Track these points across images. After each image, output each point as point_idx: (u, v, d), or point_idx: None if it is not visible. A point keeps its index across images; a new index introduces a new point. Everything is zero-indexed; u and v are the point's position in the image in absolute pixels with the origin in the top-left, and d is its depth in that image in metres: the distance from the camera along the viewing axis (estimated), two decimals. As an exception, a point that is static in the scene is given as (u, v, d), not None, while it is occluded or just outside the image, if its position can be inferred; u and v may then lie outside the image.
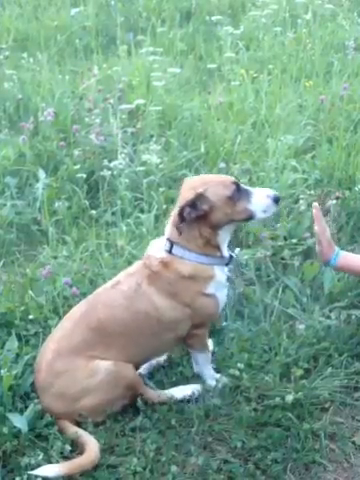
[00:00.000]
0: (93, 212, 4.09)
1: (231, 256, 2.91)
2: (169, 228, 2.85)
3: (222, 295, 2.91)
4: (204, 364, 3.00)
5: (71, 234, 3.94)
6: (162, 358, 3.14)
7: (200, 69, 6.39)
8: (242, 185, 2.83)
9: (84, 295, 3.31)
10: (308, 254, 3.79)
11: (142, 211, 4.08)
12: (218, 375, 3.01)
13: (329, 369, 3.03)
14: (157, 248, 2.88)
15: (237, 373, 2.98)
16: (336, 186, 4.37)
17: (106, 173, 4.22)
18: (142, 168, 4.34)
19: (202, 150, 4.75)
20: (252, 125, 5.08)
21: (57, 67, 6.28)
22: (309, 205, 4.02)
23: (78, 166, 4.46)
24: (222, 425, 2.80)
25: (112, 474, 2.58)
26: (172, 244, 2.81)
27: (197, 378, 3.01)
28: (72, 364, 2.77)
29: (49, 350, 2.84)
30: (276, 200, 2.79)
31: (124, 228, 3.84)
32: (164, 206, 4.09)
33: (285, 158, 4.55)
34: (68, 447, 2.66)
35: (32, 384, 2.90)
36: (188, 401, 2.91)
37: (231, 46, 6.45)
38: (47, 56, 6.38)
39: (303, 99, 5.53)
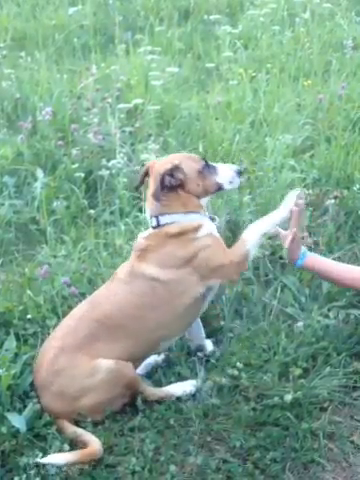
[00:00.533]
0: (91, 211, 4.08)
1: (212, 218, 3.10)
2: (150, 206, 3.02)
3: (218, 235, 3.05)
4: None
5: (69, 233, 3.94)
6: (160, 358, 3.14)
7: (198, 68, 6.39)
8: (209, 161, 3.09)
9: (83, 295, 3.32)
10: (306, 253, 3.80)
11: (140, 210, 4.07)
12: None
13: (328, 368, 3.03)
14: (142, 234, 3.05)
15: (236, 373, 2.98)
16: (334, 185, 4.37)
17: (104, 172, 4.22)
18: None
19: (200, 149, 4.74)
20: (250, 124, 5.08)
21: (55, 66, 6.28)
22: (307, 204, 4.03)
23: (76, 165, 4.46)
24: (221, 424, 2.80)
25: (111, 474, 2.58)
26: (158, 218, 2.97)
27: (194, 376, 3.02)
28: (75, 361, 2.78)
29: (52, 348, 2.84)
30: (239, 172, 3.09)
31: (122, 227, 3.83)
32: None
33: (283, 157, 4.55)
34: (66, 446, 2.65)
35: (31, 383, 2.91)
36: (187, 399, 2.91)
37: (229, 45, 6.45)
38: (45, 55, 6.37)
39: (301, 98, 5.53)
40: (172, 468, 2.58)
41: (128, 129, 4.83)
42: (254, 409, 2.84)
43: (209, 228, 3.00)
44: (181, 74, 6.06)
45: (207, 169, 3.03)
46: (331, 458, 2.69)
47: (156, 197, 2.94)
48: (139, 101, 5.04)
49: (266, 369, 3.04)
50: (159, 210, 2.97)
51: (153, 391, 2.93)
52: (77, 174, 4.36)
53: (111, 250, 3.75)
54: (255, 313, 3.41)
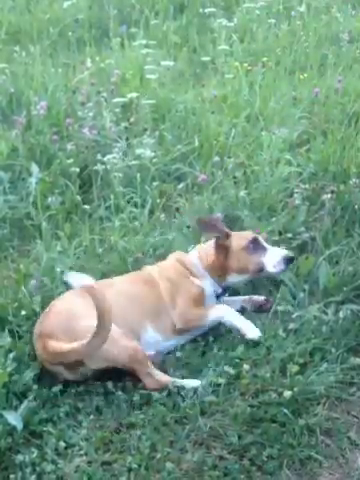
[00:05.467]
0: (86, 207, 4.06)
1: (224, 291, 3.38)
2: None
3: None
4: (237, 321, 3.19)
5: (64, 229, 3.91)
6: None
7: (194, 62, 6.37)
8: (261, 241, 3.30)
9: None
10: (303, 248, 3.79)
11: (136, 206, 4.05)
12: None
13: (325, 364, 3.02)
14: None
15: (232, 371, 2.96)
16: (331, 180, 4.35)
17: (99, 167, 4.19)
18: (136, 162, 4.31)
19: (196, 144, 4.73)
20: (246, 118, 5.06)
21: (50, 60, 6.24)
22: (304, 199, 4.02)
23: (71, 160, 4.42)
24: (218, 421, 2.78)
25: (107, 471, 2.56)
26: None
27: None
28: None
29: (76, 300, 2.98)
30: (288, 260, 3.25)
31: (118, 223, 3.81)
32: (158, 200, 4.07)
33: (279, 151, 4.53)
34: (62, 444, 2.65)
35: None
36: (183, 396, 2.89)
37: (225, 38, 6.41)
38: (40, 49, 6.32)
39: (297, 92, 5.51)
40: (169, 465, 2.57)
41: (123, 124, 4.79)
42: (251, 406, 2.82)
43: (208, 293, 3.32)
44: (176, 68, 6.04)
45: (254, 247, 3.26)
46: (328, 454, 2.67)
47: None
48: (134, 95, 5.00)
49: (263, 365, 3.02)
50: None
51: (161, 376, 2.94)
52: (72, 169, 4.33)
53: (106, 246, 3.73)
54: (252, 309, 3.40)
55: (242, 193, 4.12)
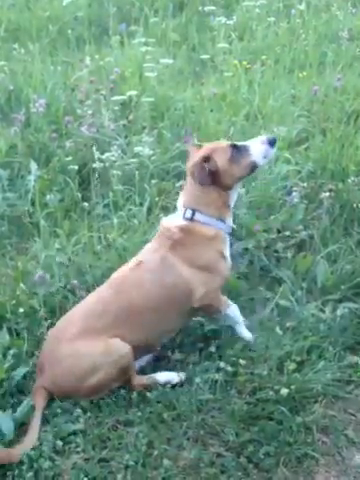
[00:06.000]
0: (85, 204, 4.05)
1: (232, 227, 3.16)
2: (186, 197, 3.08)
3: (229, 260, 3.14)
4: (237, 319, 3.17)
5: (63, 227, 3.91)
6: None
7: (193, 60, 6.36)
8: (238, 143, 3.06)
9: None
10: (301, 246, 3.79)
11: (134, 204, 4.04)
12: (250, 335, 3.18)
13: (322, 362, 3.03)
14: (172, 220, 3.09)
15: (229, 368, 2.97)
16: (329, 178, 4.35)
17: (98, 165, 4.18)
18: (134, 160, 4.30)
19: (195, 142, 4.72)
20: (245, 116, 5.05)
21: (49, 58, 6.24)
22: (302, 197, 4.01)
23: (70, 158, 4.43)
24: (215, 419, 2.79)
25: (104, 468, 2.57)
26: (194, 212, 3.02)
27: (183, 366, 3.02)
28: (93, 346, 2.80)
29: (74, 325, 2.86)
30: (271, 143, 3.03)
31: (116, 221, 3.81)
32: (156, 198, 4.06)
33: (278, 150, 4.50)
34: (59, 441, 2.65)
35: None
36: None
37: (224, 36, 6.40)
38: (39, 47, 6.33)
39: (296, 90, 5.50)
40: (166, 462, 2.58)
41: (122, 121, 4.79)
42: (248, 403, 2.84)
43: (228, 244, 3.12)
44: (176, 66, 6.03)
45: (238, 153, 3.01)
46: (325, 452, 2.68)
47: (201, 182, 2.98)
48: (133, 93, 4.99)
49: (261, 363, 3.02)
50: (196, 204, 3.03)
51: (139, 378, 2.94)
52: (71, 167, 4.32)
53: (105, 243, 3.72)
54: (250, 307, 3.40)
55: (241, 191, 4.10)
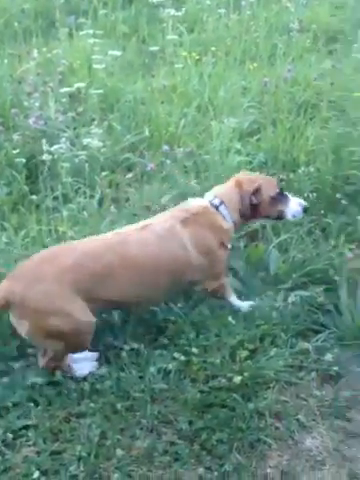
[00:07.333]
0: (34, 197, 3.99)
1: None
2: (222, 192, 3.30)
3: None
4: (235, 302, 3.35)
5: (11, 220, 3.83)
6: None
7: (143, 52, 6.31)
8: (284, 191, 3.37)
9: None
10: (253, 237, 3.81)
11: (85, 195, 4.00)
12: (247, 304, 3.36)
13: (274, 349, 3.05)
14: (196, 201, 3.30)
15: (182, 358, 2.97)
16: (281, 168, 4.38)
17: (46, 157, 4.11)
18: (84, 152, 4.25)
19: (146, 133, 4.70)
20: (196, 108, 5.05)
21: (-5, 51, 6.12)
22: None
23: (17, 151, 4.34)
24: (168, 408, 2.78)
25: (56, 461, 2.54)
26: (222, 203, 3.24)
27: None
28: (72, 294, 2.80)
29: (70, 257, 2.88)
30: (304, 210, 3.36)
31: (66, 213, 3.75)
32: (107, 190, 4.03)
33: (229, 141, 4.53)
34: (10, 434, 2.61)
35: None
36: (134, 383, 2.88)
37: (174, 28, 6.37)
38: (-15, 40, 6.21)
39: (247, 82, 5.51)
40: (119, 452, 2.56)
41: (71, 114, 4.73)
42: (201, 391, 2.83)
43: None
44: (125, 58, 5.99)
45: (280, 197, 3.31)
46: (277, 437, 2.69)
47: (242, 214, 3.28)
48: (82, 85, 4.93)
49: (214, 351, 3.02)
50: (228, 202, 3.25)
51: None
52: (18, 159, 4.24)
53: (55, 237, 3.67)
54: (203, 296, 3.39)
55: (193, 182, 4.10)
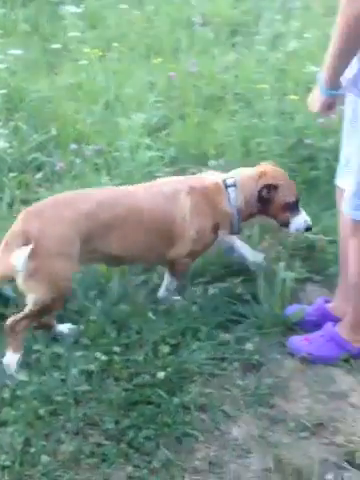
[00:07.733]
0: None
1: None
2: (242, 178, 3.25)
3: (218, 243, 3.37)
4: (172, 292, 3.34)
5: None
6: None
7: (46, 50, 6.18)
8: (299, 204, 3.32)
9: None
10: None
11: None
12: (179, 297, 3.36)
13: (196, 343, 3.06)
14: (214, 175, 3.31)
15: (103, 357, 2.93)
16: (192, 162, 4.39)
17: None
18: (-11, 154, 4.14)
19: (53, 132, 4.62)
20: (104, 105, 5.01)
21: None
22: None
23: None
24: (93, 409, 2.74)
25: (-22, 473, 2.46)
26: (235, 184, 3.21)
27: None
28: (76, 246, 2.86)
29: (86, 203, 2.94)
30: (307, 229, 3.33)
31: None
32: (17, 191, 3.93)
33: (139, 136, 4.52)
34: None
35: None
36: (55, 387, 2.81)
37: (75, 25, 6.30)
38: None
39: (153, 77, 5.51)
40: (44, 458, 2.50)
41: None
42: (126, 390, 2.81)
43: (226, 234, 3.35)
44: (28, 56, 5.85)
45: (292, 205, 3.25)
46: (203, 429, 2.70)
47: (248, 202, 3.24)
48: (-17, 86, 4.80)
49: (136, 349, 3.01)
50: (241, 189, 3.21)
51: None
52: None
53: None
54: (121, 294, 3.36)
55: (104, 179, 4.07)
